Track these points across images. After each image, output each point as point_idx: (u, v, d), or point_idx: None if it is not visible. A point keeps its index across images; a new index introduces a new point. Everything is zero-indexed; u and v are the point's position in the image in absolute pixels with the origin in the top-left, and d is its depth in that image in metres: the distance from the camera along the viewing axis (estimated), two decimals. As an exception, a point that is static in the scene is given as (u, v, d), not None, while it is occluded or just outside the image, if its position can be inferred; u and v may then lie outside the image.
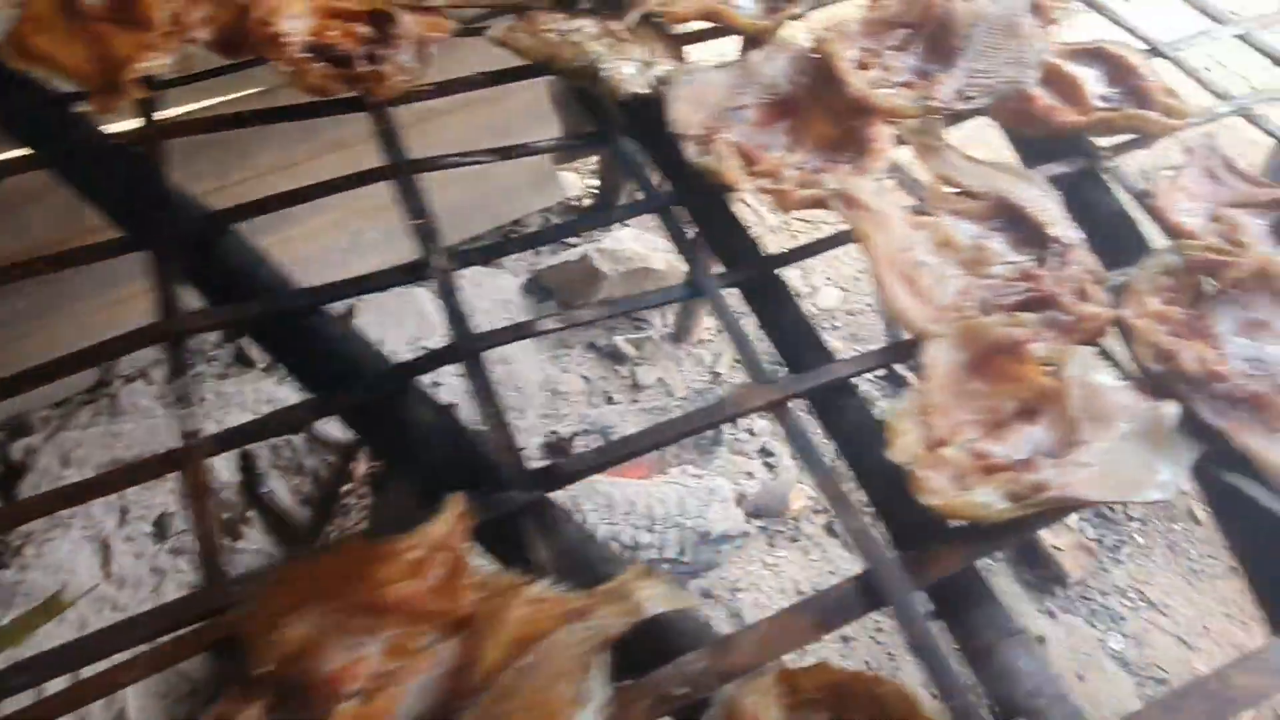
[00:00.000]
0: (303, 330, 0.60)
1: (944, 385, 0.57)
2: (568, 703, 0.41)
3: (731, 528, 1.62)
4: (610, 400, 2.00)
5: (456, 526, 0.48)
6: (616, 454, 0.53)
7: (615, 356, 2.06)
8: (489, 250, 0.65)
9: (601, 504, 1.52)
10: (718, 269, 0.67)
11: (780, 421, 0.55)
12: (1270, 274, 0.61)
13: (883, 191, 0.66)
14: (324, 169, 0.71)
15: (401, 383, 0.57)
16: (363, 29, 0.79)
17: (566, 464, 0.52)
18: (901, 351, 0.59)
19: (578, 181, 2.46)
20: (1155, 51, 0.86)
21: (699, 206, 0.70)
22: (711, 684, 0.44)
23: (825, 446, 0.61)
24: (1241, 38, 0.90)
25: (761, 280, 0.65)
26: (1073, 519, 1.84)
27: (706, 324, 2.13)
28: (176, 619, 0.46)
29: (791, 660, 0.47)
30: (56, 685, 0.45)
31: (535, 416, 1.93)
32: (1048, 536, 1.81)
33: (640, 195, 0.73)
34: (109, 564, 1.66)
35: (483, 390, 0.55)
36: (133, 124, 0.73)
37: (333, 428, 1.80)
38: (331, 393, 0.56)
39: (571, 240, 2.22)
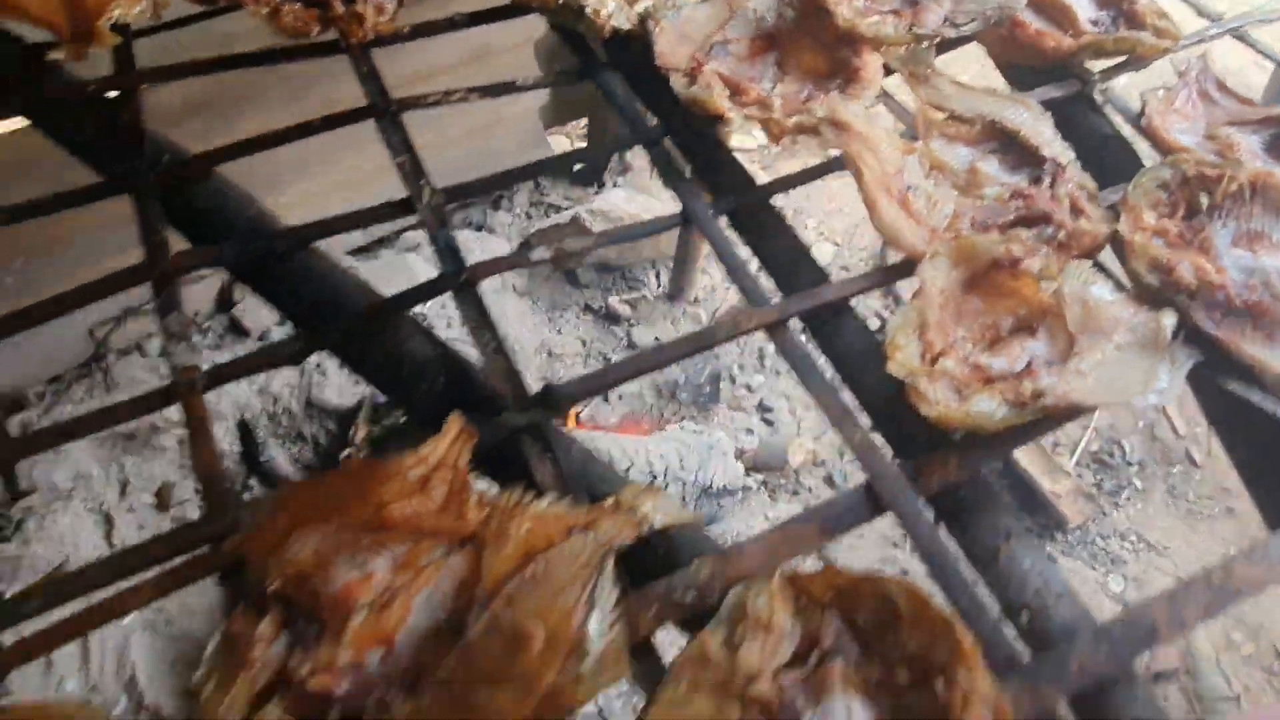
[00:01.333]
0: (291, 268, 0.59)
1: (940, 303, 0.57)
2: (577, 607, 0.41)
3: (732, 482, 1.63)
4: (607, 361, 2.00)
5: (456, 444, 0.48)
6: (615, 376, 0.53)
7: (611, 318, 2.06)
8: (479, 186, 0.65)
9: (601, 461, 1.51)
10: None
11: (777, 342, 0.55)
12: (1266, 185, 0.61)
13: (872, 117, 0.65)
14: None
15: (394, 314, 0.57)
16: (343, -30, 0.78)
17: (564, 386, 0.52)
18: (897, 272, 0.59)
19: (567, 144, 2.44)
20: (1147, -26, 0.85)
21: (688, 140, 0.69)
22: (718, 589, 0.44)
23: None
24: (1233, -40, 0.89)
25: (753, 209, 0.65)
26: (1070, 464, 1.85)
27: (701, 283, 2.13)
28: (180, 545, 0.46)
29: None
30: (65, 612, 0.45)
31: (532, 381, 1.93)
32: (1046, 483, 1.83)
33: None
34: (111, 536, 1.67)
35: (478, 318, 0.55)
36: (108, 72, 0.72)
37: (331, 394, 1.80)
38: (318, 328, 0.56)
39: (561, 203, 2.21)
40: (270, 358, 0.54)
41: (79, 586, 0.45)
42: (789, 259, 0.62)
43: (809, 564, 0.47)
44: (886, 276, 0.59)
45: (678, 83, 0.69)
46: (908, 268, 0.58)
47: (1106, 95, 0.74)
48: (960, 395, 0.51)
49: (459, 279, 0.57)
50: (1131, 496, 1.83)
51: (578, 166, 2.32)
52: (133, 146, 0.65)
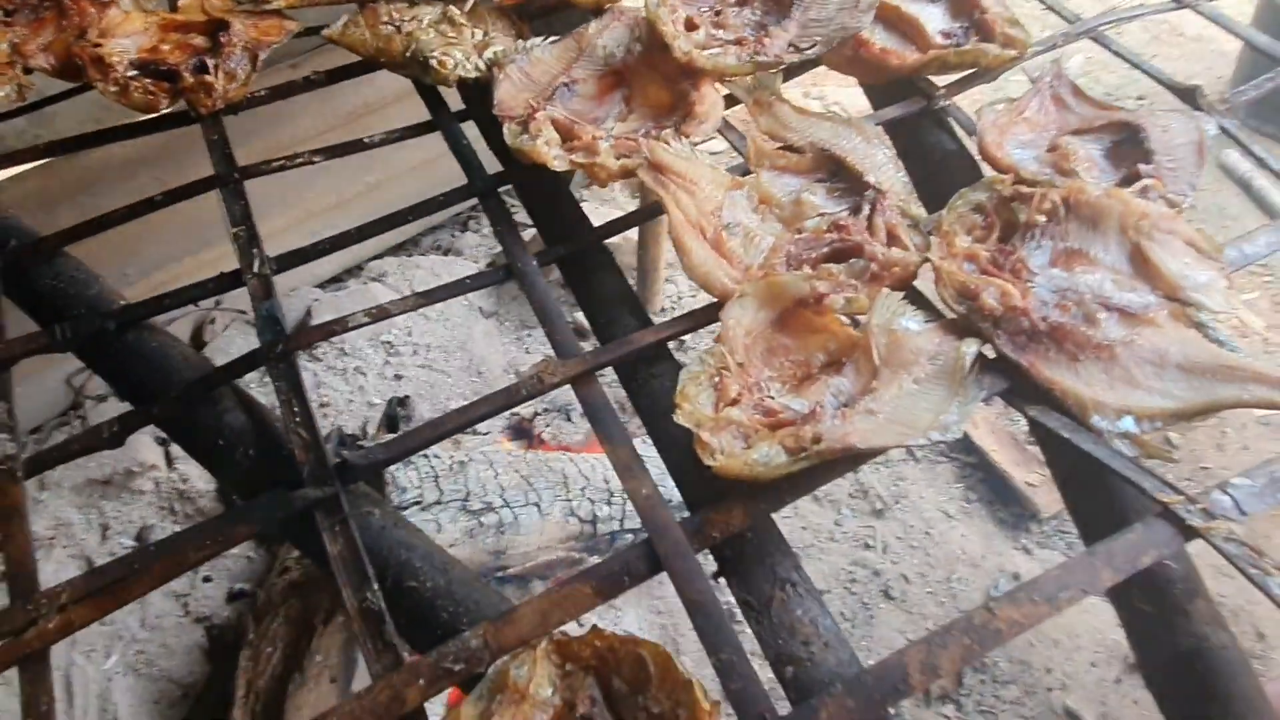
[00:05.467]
0: (120, 346, 0.61)
1: (747, 344, 0.57)
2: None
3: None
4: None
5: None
6: (415, 441, 0.54)
7: (578, 333, 2.06)
8: (304, 254, 0.66)
9: (555, 481, 1.53)
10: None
11: (580, 394, 0.56)
12: (1078, 201, 0.60)
13: (692, 155, 0.65)
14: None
15: (212, 390, 0.58)
16: (198, 40, 0.80)
17: (359, 458, 0.53)
18: (710, 314, 0.59)
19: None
20: (1004, -21, 0.84)
21: (527, 186, 0.70)
22: (488, 659, 0.45)
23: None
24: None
25: (583, 254, 0.65)
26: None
27: (667, 292, 2.13)
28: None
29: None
30: None
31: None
32: (1019, 474, 1.81)
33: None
34: (93, 581, 1.71)
35: (289, 389, 0.56)
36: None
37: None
38: (147, 404, 0.57)
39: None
40: (88, 442, 0.56)
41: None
42: (611, 306, 0.63)
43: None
44: (698, 320, 0.59)
45: (510, 131, 0.70)
46: (718, 309, 0.59)
47: (951, 110, 0.74)
48: (748, 443, 0.52)
49: (276, 349, 0.58)
50: (1107, 482, 1.81)
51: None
52: (-21, 235, 0.67)
